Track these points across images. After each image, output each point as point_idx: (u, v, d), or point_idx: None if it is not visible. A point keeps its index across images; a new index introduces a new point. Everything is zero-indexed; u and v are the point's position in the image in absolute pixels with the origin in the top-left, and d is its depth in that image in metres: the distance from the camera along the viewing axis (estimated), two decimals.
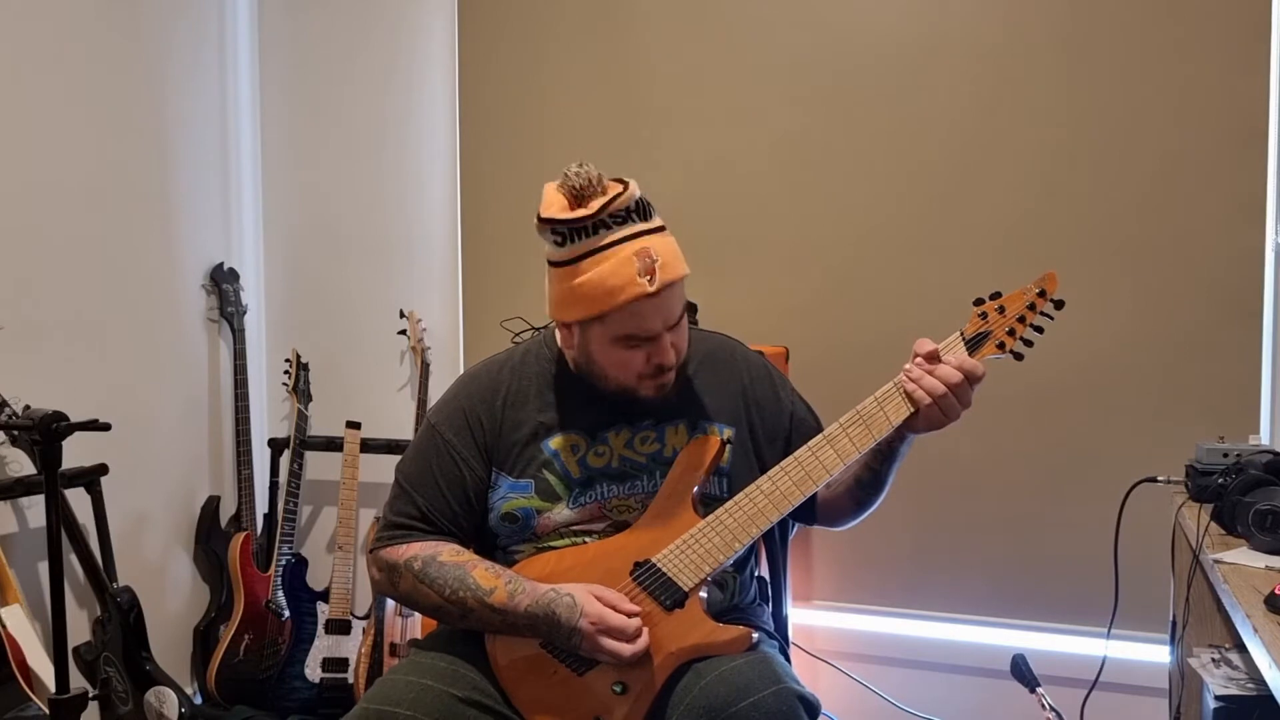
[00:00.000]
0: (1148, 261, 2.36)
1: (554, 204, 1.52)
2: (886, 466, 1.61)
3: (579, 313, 1.54)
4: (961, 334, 1.52)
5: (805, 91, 2.61)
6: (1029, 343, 1.52)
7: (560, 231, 1.51)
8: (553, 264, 1.55)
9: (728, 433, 1.66)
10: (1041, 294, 1.51)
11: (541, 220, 1.53)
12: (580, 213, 1.49)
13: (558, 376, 1.67)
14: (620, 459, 1.63)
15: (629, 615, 1.48)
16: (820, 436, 1.53)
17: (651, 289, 1.48)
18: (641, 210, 1.53)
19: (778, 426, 1.69)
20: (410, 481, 1.65)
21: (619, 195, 1.50)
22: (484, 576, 1.54)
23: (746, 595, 1.71)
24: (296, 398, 3.03)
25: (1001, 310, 1.52)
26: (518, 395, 1.66)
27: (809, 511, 1.72)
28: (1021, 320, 1.51)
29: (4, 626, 2.18)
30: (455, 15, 2.93)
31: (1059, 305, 1.52)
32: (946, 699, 2.55)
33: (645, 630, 1.49)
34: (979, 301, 1.53)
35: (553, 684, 1.53)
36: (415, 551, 1.60)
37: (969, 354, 1.51)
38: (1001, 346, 1.51)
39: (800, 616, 2.61)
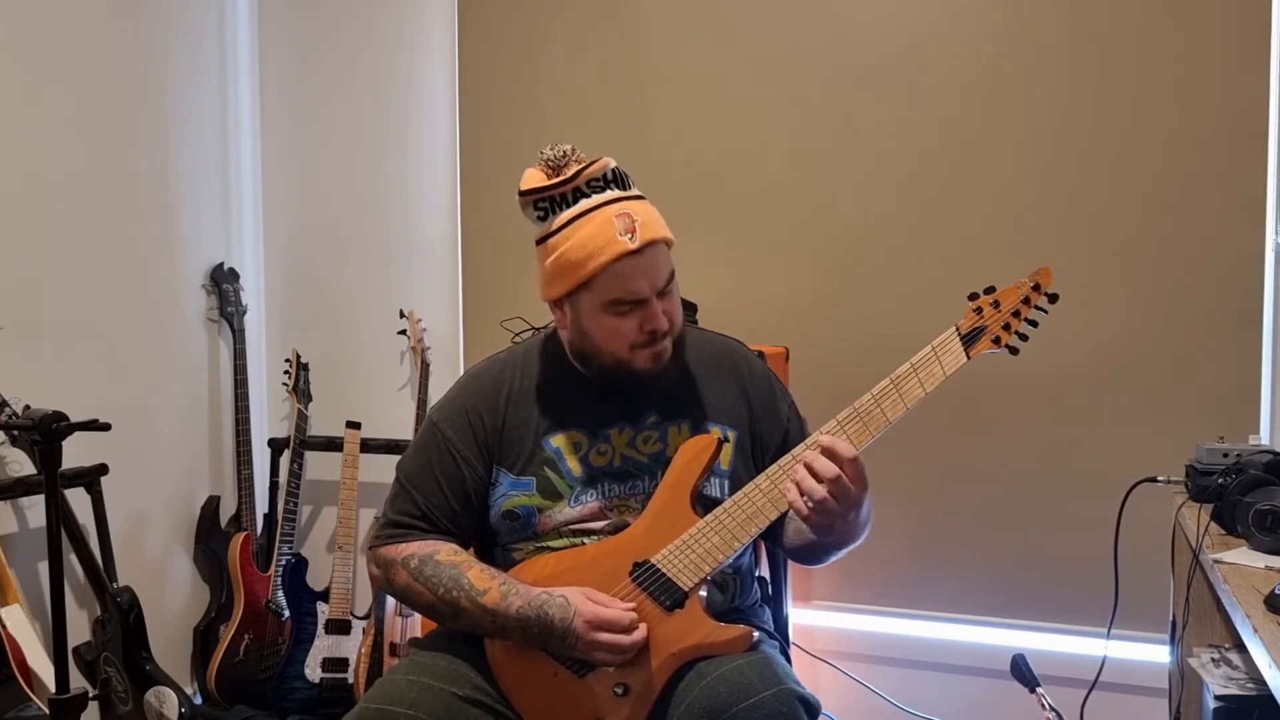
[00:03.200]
0: (1148, 261, 2.36)
1: (532, 178, 1.57)
2: (825, 555, 1.64)
3: (566, 284, 1.55)
4: (957, 329, 1.51)
5: (805, 91, 2.61)
6: (1024, 337, 1.52)
7: (542, 205, 1.56)
8: (539, 242, 1.59)
9: (731, 435, 1.66)
10: (1036, 288, 1.51)
11: (522, 194, 1.56)
12: (557, 179, 1.54)
13: (560, 374, 1.67)
14: (623, 458, 1.63)
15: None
16: (813, 438, 1.52)
17: (633, 246, 1.51)
18: (619, 179, 1.57)
19: (771, 437, 1.70)
20: (411, 480, 1.65)
21: (594, 164, 1.54)
22: (478, 577, 1.54)
23: (748, 596, 1.71)
24: (296, 398, 3.03)
25: (996, 305, 1.51)
26: (520, 393, 1.66)
27: (777, 536, 1.72)
28: (1016, 314, 1.50)
29: (4, 626, 2.18)
30: (455, 15, 2.93)
31: (1053, 299, 1.52)
32: (946, 699, 2.55)
33: (643, 625, 1.49)
34: (974, 296, 1.53)
35: (553, 686, 1.53)
36: (413, 549, 1.60)
37: (964, 350, 1.50)
38: (997, 341, 1.51)
39: (800, 616, 2.61)
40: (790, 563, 1.97)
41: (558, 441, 1.63)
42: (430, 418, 1.70)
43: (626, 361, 1.58)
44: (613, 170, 1.57)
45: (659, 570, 1.52)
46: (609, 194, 1.56)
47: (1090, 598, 2.34)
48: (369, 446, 2.97)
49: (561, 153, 1.56)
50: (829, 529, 1.49)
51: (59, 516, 1.83)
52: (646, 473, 1.63)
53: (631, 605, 1.50)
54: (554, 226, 1.55)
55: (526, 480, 1.62)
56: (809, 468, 1.45)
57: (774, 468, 1.53)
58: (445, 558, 1.58)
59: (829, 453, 1.45)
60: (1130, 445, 2.36)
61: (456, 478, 1.63)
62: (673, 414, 1.65)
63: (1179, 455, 2.01)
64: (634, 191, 1.59)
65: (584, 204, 1.54)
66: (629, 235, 1.51)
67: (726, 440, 1.64)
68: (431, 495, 1.63)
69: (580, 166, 1.55)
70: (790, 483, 1.47)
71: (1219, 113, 2.29)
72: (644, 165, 2.68)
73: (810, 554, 1.68)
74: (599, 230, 1.52)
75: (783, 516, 1.56)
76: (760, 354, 1.81)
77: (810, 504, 1.44)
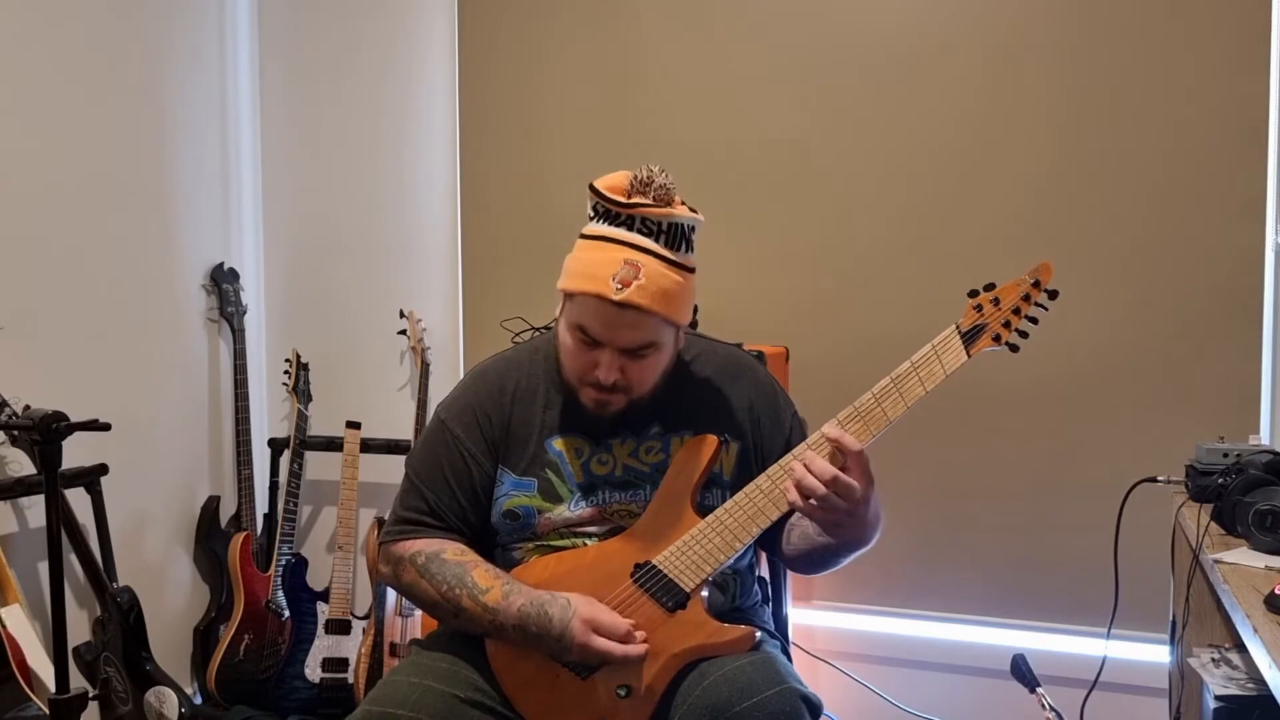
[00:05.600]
0: (1148, 261, 2.36)
1: (613, 181, 1.55)
2: (834, 559, 1.61)
3: (563, 284, 1.56)
4: (957, 327, 1.51)
5: (805, 91, 2.61)
6: (1025, 334, 1.51)
7: (597, 208, 1.55)
8: (580, 236, 1.58)
9: (733, 445, 1.65)
10: (1036, 284, 1.50)
11: (592, 188, 1.55)
12: (619, 198, 1.52)
13: (565, 377, 1.67)
14: (624, 468, 1.63)
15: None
16: (818, 434, 1.52)
17: (613, 297, 1.47)
18: (675, 238, 1.52)
19: (774, 448, 1.68)
20: (420, 477, 1.66)
21: (663, 207, 1.51)
22: (482, 576, 1.54)
23: (749, 597, 1.71)
24: (296, 398, 3.03)
25: (996, 302, 1.50)
26: (526, 392, 1.66)
27: (774, 544, 1.70)
28: (1016, 312, 1.49)
29: (4, 626, 2.18)
30: (455, 15, 2.93)
31: (1053, 295, 1.51)
32: (946, 699, 2.55)
33: (643, 644, 1.48)
34: (974, 294, 1.51)
35: (555, 688, 1.52)
36: (421, 546, 1.60)
37: (964, 348, 1.50)
38: (997, 339, 1.49)
39: (800, 616, 2.61)
40: None
41: (560, 445, 1.63)
42: (438, 415, 1.70)
43: (575, 389, 1.61)
44: (674, 225, 1.52)
45: (660, 571, 1.52)
46: (645, 242, 1.51)
47: (1090, 598, 2.34)
48: (369, 446, 2.97)
49: (652, 180, 1.51)
50: (837, 527, 1.48)
51: (59, 516, 1.83)
52: (648, 482, 1.62)
53: (633, 623, 1.49)
54: (589, 233, 1.55)
55: (528, 481, 1.62)
56: (808, 467, 1.45)
57: (774, 467, 1.53)
58: (452, 556, 1.58)
59: (835, 445, 1.44)
60: (1130, 445, 2.37)
61: (465, 475, 1.63)
62: (676, 425, 1.65)
63: (1179, 455, 2.01)
64: (680, 258, 1.52)
65: (617, 233, 1.51)
66: (619, 285, 1.48)
67: (728, 442, 1.64)
68: (440, 492, 1.63)
69: (646, 203, 1.51)
70: (789, 482, 1.46)
71: (1219, 113, 2.29)
72: (642, 165, 2.70)
73: (819, 559, 1.63)
74: (601, 263, 1.50)
75: (781, 522, 1.56)
76: (760, 354, 1.81)
77: (814, 501, 1.43)
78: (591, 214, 1.56)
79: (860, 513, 1.46)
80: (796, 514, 1.55)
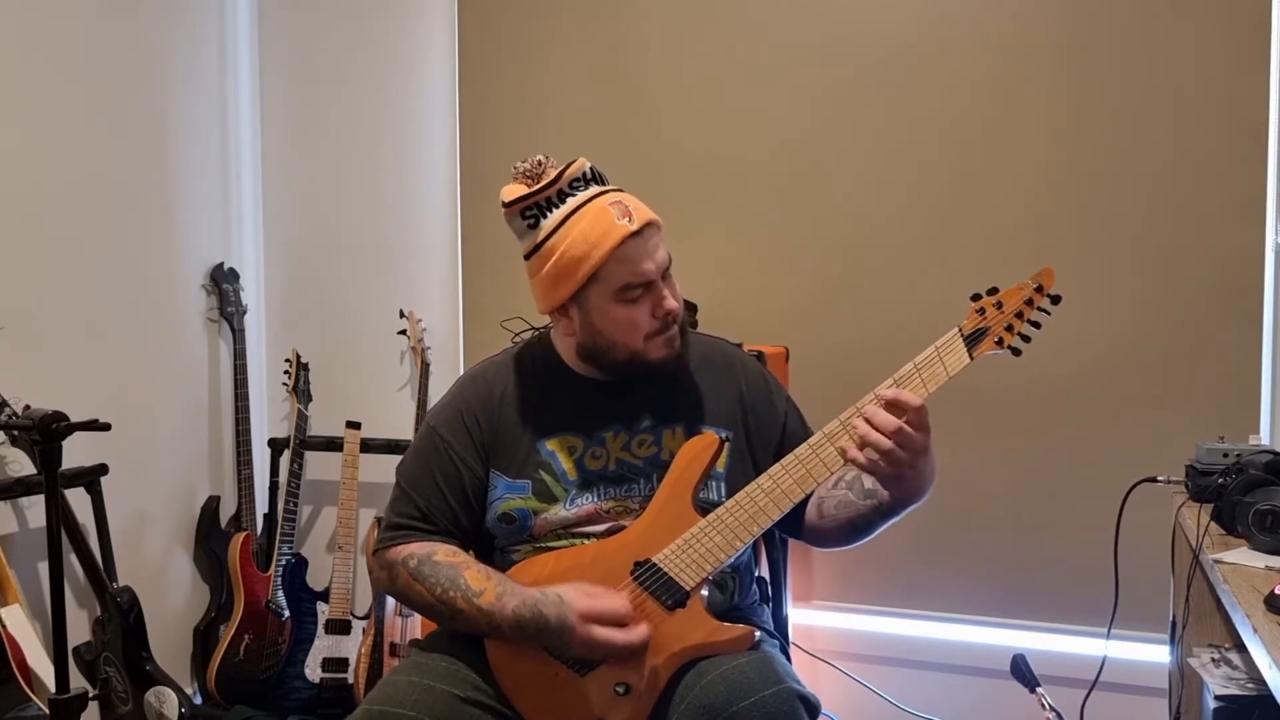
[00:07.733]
0: (1148, 261, 2.36)
1: (513, 190, 1.59)
2: (881, 520, 1.60)
3: (573, 282, 1.56)
4: (959, 330, 1.51)
5: (806, 90, 2.61)
6: (1027, 338, 1.52)
7: (530, 213, 1.57)
8: (531, 253, 1.60)
9: (725, 436, 1.65)
10: (1039, 289, 1.51)
11: (509, 206, 1.58)
12: (540, 185, 1.56)
13: (555, 377, 1.68)
14: (617, 461, 1.63)
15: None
16: (820, 433, 1.52)
17: (634, 227, 1.54)
18: (598, 177, 1.61)
19: (770, 435, 1.69)
20: (410, 483, 1.66)
21: (571, 164, 1.57)
22: (475, 578, 1.54)
23: (748, 596, 1.71)
24: (296, 398, 3.03)
25: (999, 306, 1.51)
26: (515, 396, 1.67)
27: (795, 526, 1.70)
28: (1019, 315, 1.50)
29: (4, 626, 2.18)
30: (455, 15, 2.93)
31: (1056, 300, 1.51)
32: (946, 699, 2.55)
33: (644, 625, 1.49)
34: (976, 297, 1.52)
35: (554, 686, 1.52)
36: (413, 550, 1.60)
37: (967, 350, 1.50)
38: (1000, 342, 1.50)
39: (800, 616, 2.61)
40: (789, 563, 1.97)
41: (552, 445, 1.63)
42: (428, 421, 1.70)
43: (641, 353, 1.59)
44: (590, 169, 1.60)
45: (660, 569, 1.52)
46: (593, 189, 1.58)
47: (1090, 598, 2.34)
48: (369, 446, 2.97)
49: (536, 162, 1.59)
50: (898, 480, 1.48)
51: (59, 516, 1.83)
52: (642, 476, 1.63)
53: (626, 602, 1.49)
54: (548, 230, 1.56)
55: (522, 483, 1.62)
56: (870, 421, 1.44)
57: (776, 467, 1.53)
58: (443, 558, 1.58)
59: (892, 405, 1.44)
60: (1130, 445, 2.37)
61: (455, 480, 1.63)
62: (666, 418, 1.65)
63: (1179, 455, 2.01)
64: (613, 185, 1.61)
65: (572, 202, 1.56)
66: (627, 219, 1.54)
67: (728, 439, 1.64)
68: (431, 498, 1.63)
69: (559, 169, 1.57)
70: (847, 440, 1.46)
71: (1219, 112, 2.29)
72: (644, 165, 2.71)
73: (864, 525, 1.61)
74: (597, 220, 1.54)
75: (798, 509, 1.56)
76: (760, 354, 1.81)
77: (876, 455, 1.43)
78: (529, 222, 1.58)
79: (920, 464, 1.47)
80: (827, 484, 1.57)
